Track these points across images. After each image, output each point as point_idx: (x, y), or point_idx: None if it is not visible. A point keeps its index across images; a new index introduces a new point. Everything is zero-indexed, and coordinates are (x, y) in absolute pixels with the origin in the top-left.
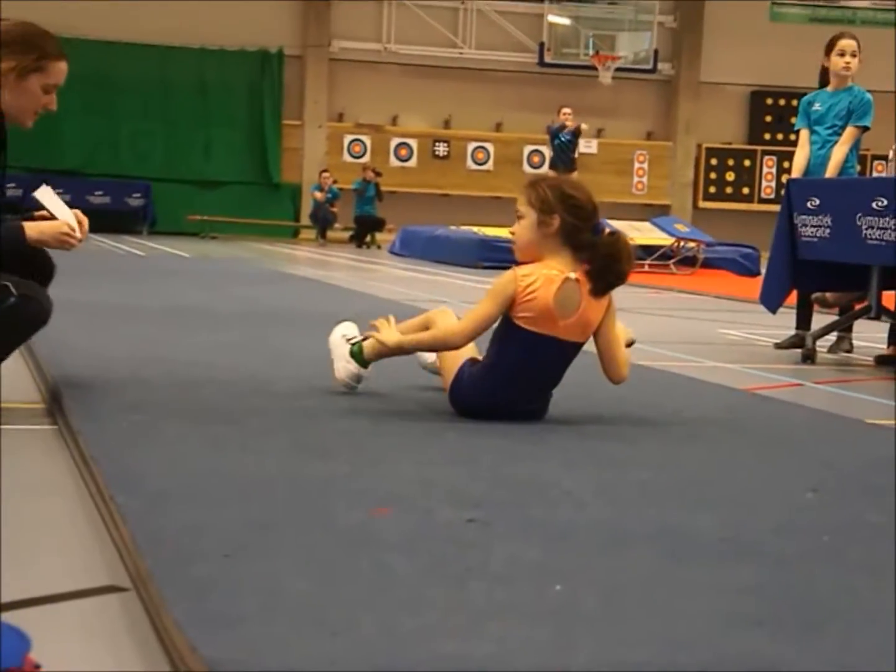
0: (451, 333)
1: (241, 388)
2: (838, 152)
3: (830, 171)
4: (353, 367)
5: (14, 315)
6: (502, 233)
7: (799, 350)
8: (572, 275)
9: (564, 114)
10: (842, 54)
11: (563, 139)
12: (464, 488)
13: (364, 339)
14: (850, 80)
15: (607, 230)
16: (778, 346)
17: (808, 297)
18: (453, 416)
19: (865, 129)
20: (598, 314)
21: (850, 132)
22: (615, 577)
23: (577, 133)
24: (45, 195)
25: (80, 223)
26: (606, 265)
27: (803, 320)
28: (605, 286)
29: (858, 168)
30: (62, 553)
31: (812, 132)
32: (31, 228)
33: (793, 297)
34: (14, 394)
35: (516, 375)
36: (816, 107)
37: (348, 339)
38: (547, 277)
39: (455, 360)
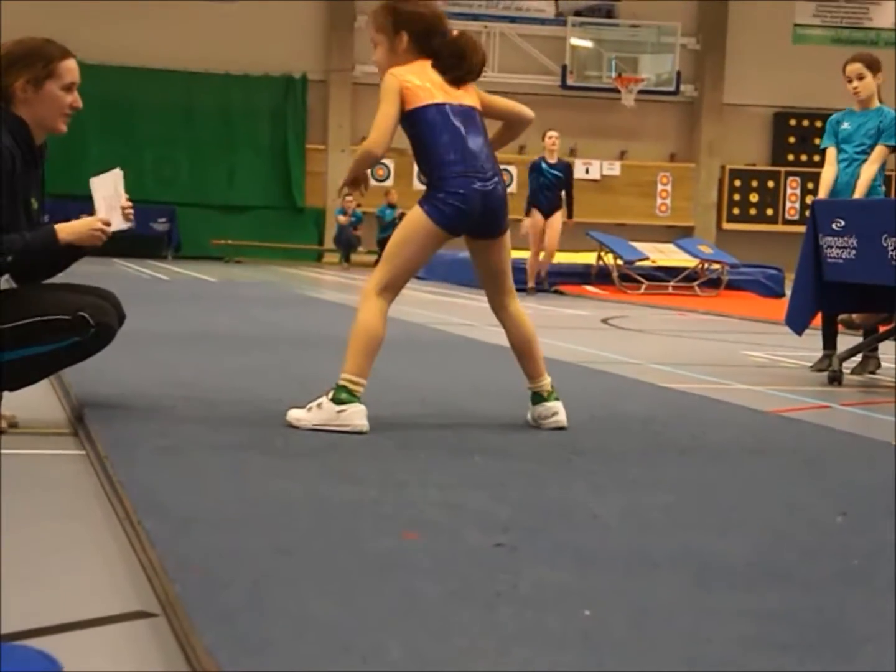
0: (368, 147)
1: (267, 413)
2: (867, 171)
3: (860, 189)
4: (355, 408)
5: (93, 344)
6: (523, 255)
7: (825, 372)
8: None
9: (550, 138)
10: (849, 80)
11: (548, 174)
12: (491, 512)
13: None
14: (877, 100)
15: (455, 31)
16: (813, 368)
17: (833, 318)
18: (478, 439)
19: (894, 148)
20: (473, 92)
21: (879, 151)
22: (643, 601)
23: (567, 169)
24: (103, 182)
25: (124, 210)
26: (456, 61)
27: (830, 341)
28: (458, 77)
29: (883, 189)
30: (91, 578)
31: (840, 150)
32: (63, 230)
33: (819, 319)
34: (41, 418)
35: (456, 149)
36: (845, 126)
37: (319, 405)
38: (416, 67)
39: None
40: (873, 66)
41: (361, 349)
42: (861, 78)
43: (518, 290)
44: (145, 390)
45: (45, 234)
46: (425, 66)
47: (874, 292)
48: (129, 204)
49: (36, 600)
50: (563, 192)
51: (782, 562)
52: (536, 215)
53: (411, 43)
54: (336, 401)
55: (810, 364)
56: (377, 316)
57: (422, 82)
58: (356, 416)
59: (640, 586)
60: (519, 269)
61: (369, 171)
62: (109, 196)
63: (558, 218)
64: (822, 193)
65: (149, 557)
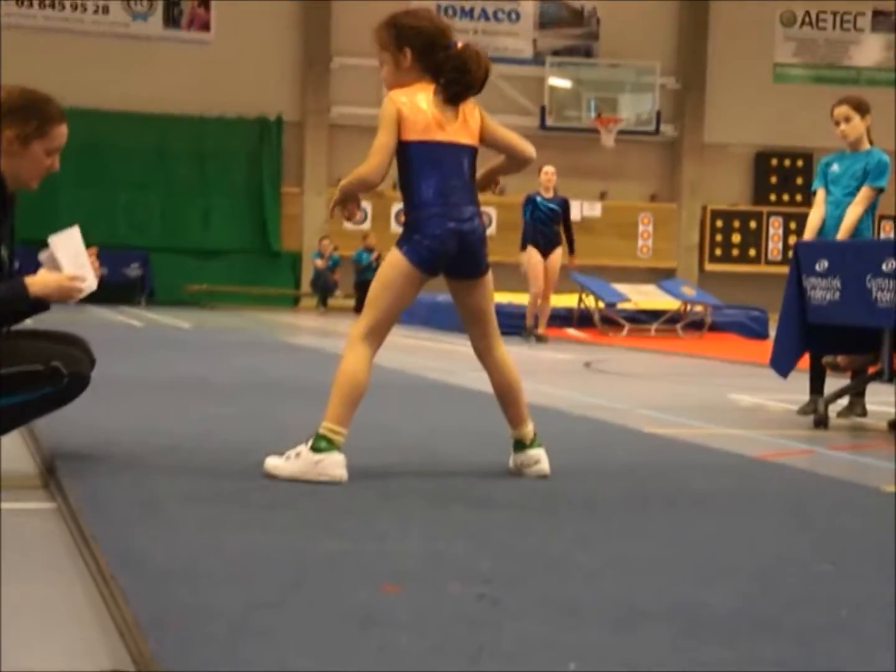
0: (364, 172)
1: (243, 463)
2: (852, 213)
3: (843, 231)
4: (333, 458)
5: (66, 394)
6: (503, 298)
7: (812, 415)
8: (441, 91)
9: (546, 173)
10: (837, 123)
11: (544, 208)
12: (473, 563)
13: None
14: (867, 142)
15: (459, 44)
16: (799, 412)
17: (820, 360)
18: (459, 487)
19: (881, 190)
20: (477, 119)
21: (864, 193)
22: (630, 653)
23: (564, 203)
24: (66, 240)
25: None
26: (458, 75)
27: (817, 385)
28: (459, 93)
29: (869, 232)
30: (63, 636)
31: (828, 193)
32: (34, 284)
33: (805, 361)
34: (11, 470)
35: (436, 188)
36: (834, 168)
37: (297, 453)
38: (417, 92)
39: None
40: (861, 108)
41: (343, 398)
42: (848, 120)
43: (513, 334)
44: (119, 440)
45: (15, 287)
46: (427, 90)
47: (859, 334)
48: (95, 259)
49: (6, 660)
50: (562, 228)
51: (771, 611)
52: (534, 253)
53: (415, 59)
54: (315, 449)
55: (796, 407)
56: (361, 364)
57: (416, 113)
58: (334, 465)
59: (626, 638)
60: (502, 312)
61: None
62: (76, 253)
63: (558, 256)
64: (808, 236)
65: (122, 614)
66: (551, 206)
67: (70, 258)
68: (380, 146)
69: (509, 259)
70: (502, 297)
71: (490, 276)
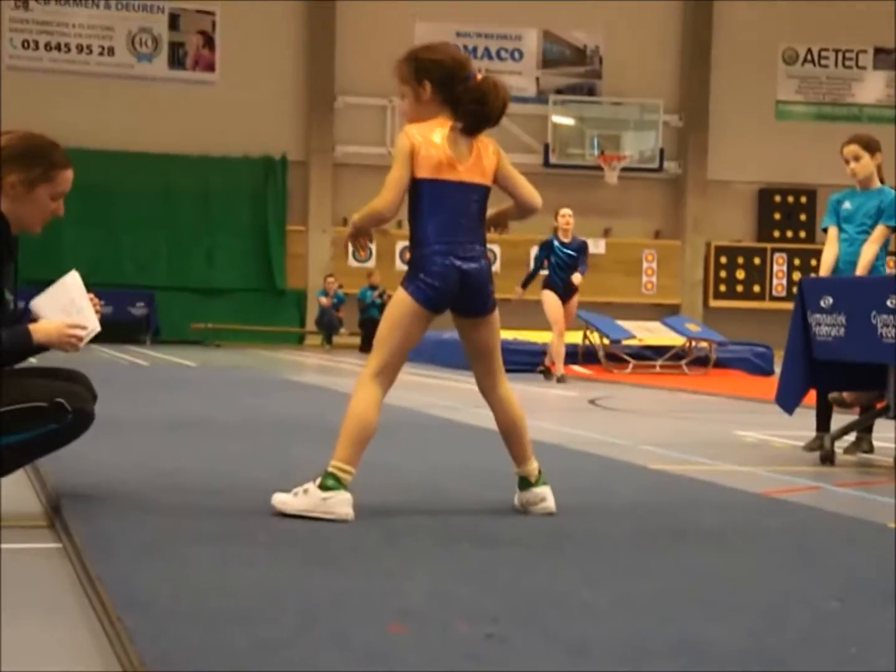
0: (378, 206)
1: (249, 501)
2: (868, 251)
3: (861, 269)
4: (341, 496)
5: (70, 432)
6: (509, 335)
7: (818, 451)
8: (457, 123)
9: (563, 216)
10: (846, 161)
11: (561, 253)
12: (480, 602)
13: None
14: (878, 180)
15: (478, 75)
16: (806, 448)
17: (827, 396)
18: (465, 525)
19: (895, 229)
20: (492, 159)
21: (880, 231)
22: None
23: (582, 248)
24: (68, 288)
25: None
26: (476, 107)
27: (824, 421)
28: (476, 124)
29: (885, 269)
30: None
31: (841, 230)
32: (38, 332)
33: (811, 397)
34: (15, 510)
35: (443, 226)
36: (846, 205)
37: (305, 490)
38: (434, 128)
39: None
40: (870, 147)
41: (353, 438)
42: (858, 159)
43: (517, 371)
44: (124, 479)
45: (21, 335)
46: (444, 126)
47: (865, 370)
48: (97, 301)
49: None
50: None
51: (779, 649)
52: (552, 295)
53: (434, 91)
54: (323, 487)
55: (802, 443)
56: (371, 405)
57: (429, 149)
58: (341, 504)
59: None
60: (508, 349)
61: (371, 231)
62: (70, 301)
63: (576, 302)
64: (823, 273)
65: (128, 654)
66: (569, 251)
67: (58, 312)
68: (393, 180)
69: (516, 296)
70: (507, 334)
71: (497, 313)
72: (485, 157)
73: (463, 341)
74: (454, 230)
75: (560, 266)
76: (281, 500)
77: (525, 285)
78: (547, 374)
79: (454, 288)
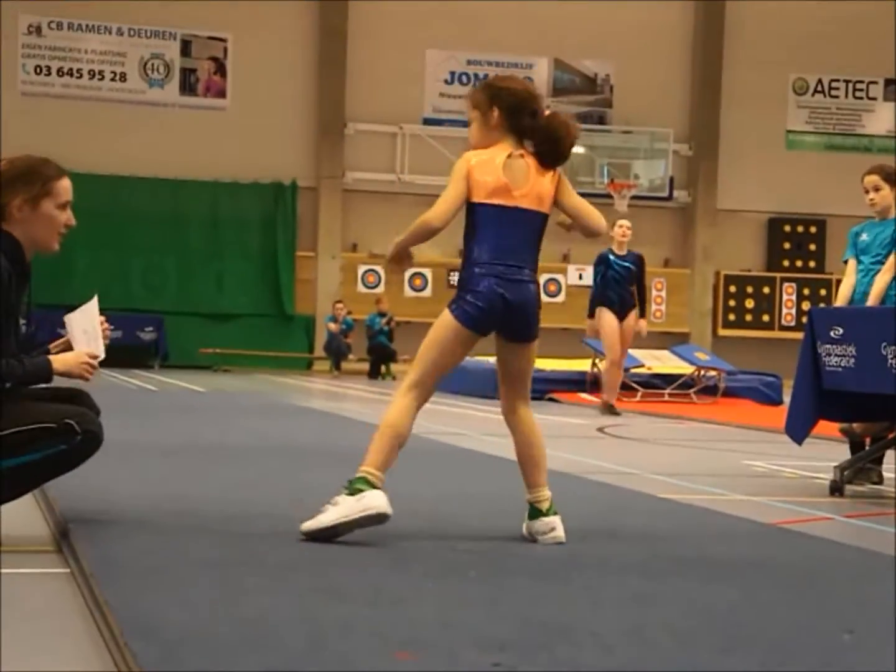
0: (428, 216)
1: (257, 527)
2: (881, 280)
3: (872, 299)
4: (375, 492)
5: (79, 453)
6: (562, 365)
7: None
8: (516, 151)
9: (620, 227)
10: (866, 191)
11: (616, 266)
12: (488, 630)
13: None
14: (895, 211)
15: (547, 111)
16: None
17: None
18: (473, 553)
19: None
20: (549, 187)
21: (893, 261)
22: None
23: (638, 261)
24: (77, 319)
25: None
26: (548, 146)
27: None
28: (552, 162)
29: None
30: None
31: (858, 261)
32: (56, 362)
33: (819, 428)
34: (24, 535)
35: (492, 249)
36: (864, 237)
37: (334, 502)
38: (494, 154)
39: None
40: (890, 178)
41: (384, 445)
42: (878, 189)
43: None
44: (132, 504)
45: (42, 365)
46: (504, 152)
47: (874, 401)
48: (107, 325)
49: None
50: (635, 288)
51: None
52: (610, 316)
53: (502, 118)
54: (354, 492)
55: (811, 473)
56: (405, 414)
57: (486, 175)
58: (376, 498)
59: None
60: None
61: (411, 255)
62: (92, 326)
63: (633, 319)
64: (840, 304)
65: None
66: (625, 263)
67: (82, 334)
68: (447, 196)
69: (588, 331)
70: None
71: (536, 344)
72: (542, 185)
73: (498, 362)
74: (503, 253)
75: (616, 280)
76: (310, 523)
77: (592, 314)
78: (611, 409)
79: (498, 310)
